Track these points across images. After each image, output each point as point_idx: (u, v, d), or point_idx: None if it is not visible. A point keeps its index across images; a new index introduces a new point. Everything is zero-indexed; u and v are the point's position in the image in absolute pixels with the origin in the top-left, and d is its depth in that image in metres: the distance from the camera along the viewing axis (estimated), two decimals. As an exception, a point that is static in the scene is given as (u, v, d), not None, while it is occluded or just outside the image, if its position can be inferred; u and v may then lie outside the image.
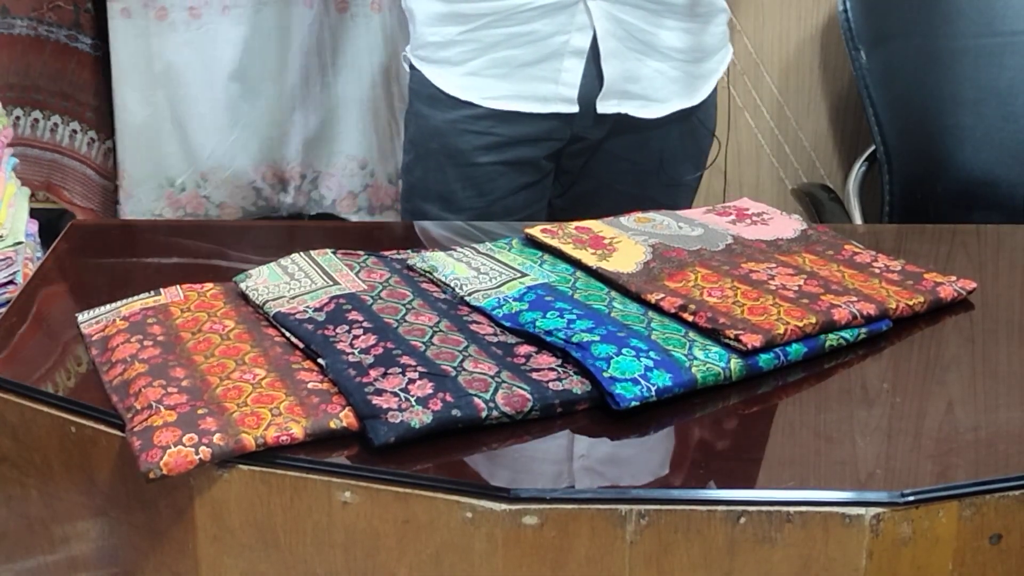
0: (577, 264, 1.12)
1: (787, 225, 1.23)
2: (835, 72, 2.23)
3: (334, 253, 1.15)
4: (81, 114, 2.20)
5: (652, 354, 0.94)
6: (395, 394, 0.89)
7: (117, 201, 2.26)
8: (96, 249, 1.32)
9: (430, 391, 0.90)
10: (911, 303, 1.07)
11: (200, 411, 0.89)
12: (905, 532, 0.81)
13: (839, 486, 0.84)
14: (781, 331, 0.97)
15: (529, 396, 0.90)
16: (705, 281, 1.07)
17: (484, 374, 0.92)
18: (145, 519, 0.89)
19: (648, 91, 1.53)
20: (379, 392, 0.89)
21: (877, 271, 1.13)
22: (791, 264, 1.13)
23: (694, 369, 0.93)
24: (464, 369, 0.93)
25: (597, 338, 0.95)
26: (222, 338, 1.01)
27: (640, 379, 0.91)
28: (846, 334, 1.02)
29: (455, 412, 0.88)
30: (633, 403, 0.90)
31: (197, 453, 0.84)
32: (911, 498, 0.81)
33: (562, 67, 1.48)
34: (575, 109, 1.50)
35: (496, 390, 0.91)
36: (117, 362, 0.98)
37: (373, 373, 0.92)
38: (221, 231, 1.48)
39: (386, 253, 1.18)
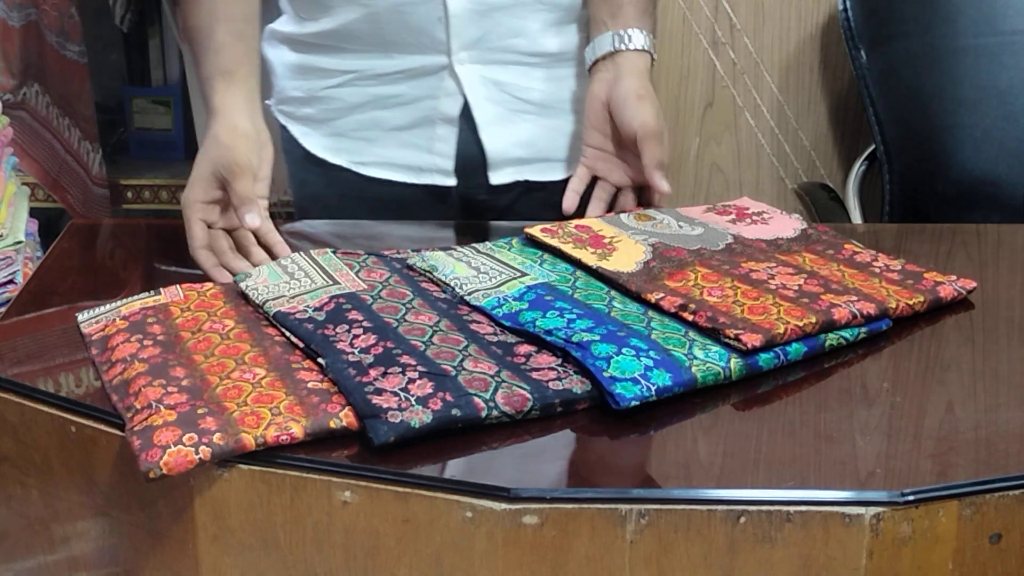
0: (577, 264, 1.12)
1: (787, 224, 1.23)
2: (835, 72, 2.23)
3: (334, 253, 1.15)
4: (78, 123, 2.20)
5: (652, 353, 0.94)
6: (395, 393, 0.89)
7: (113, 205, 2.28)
8: (96, 249, 1.32)
9: (430, 391, 0.89)
10: (911, 302, 1.07)
11: (200, 410, 0.88)
12: (905, 531, 0.81)
13: (839, 486, 0.84)
14: (781, 330, 0.97)
15: (529, 396, 0.90)
16: (705, 280, 1.07)
17: (484, 374, 0.92)
18: (145, 519, 0.89)
19: (545, 152, 1.39)
20: (379, 392, 0.89)
21: (877, 270, 1.12)
22: (791, 264, 1.12)
23: (694, 368, 0.93)
24: (464, 368, 0.93)
25: (597, 337, 0.95)
26: (222, 337, 1.00)
27: (640, 378, 0.91)
28: (846, 334, 1.02)
29: (455, 412, 0.88)
30: (633, 403, 0.90)
31: (197, 452, 0.84)
32: (911, 497, 0.81)
33: (435, 135, 1.35)
34: (452, 182, 1.37)
35: (496, 390, 0.91)
36: (117, 361, 0.98)
37: (373, 372, 0.92)
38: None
39: (386, 252, 1.17)
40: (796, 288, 1.06)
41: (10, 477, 0.96)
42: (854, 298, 1.04)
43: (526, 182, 1.40)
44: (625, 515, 0.81)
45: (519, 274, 1.09)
